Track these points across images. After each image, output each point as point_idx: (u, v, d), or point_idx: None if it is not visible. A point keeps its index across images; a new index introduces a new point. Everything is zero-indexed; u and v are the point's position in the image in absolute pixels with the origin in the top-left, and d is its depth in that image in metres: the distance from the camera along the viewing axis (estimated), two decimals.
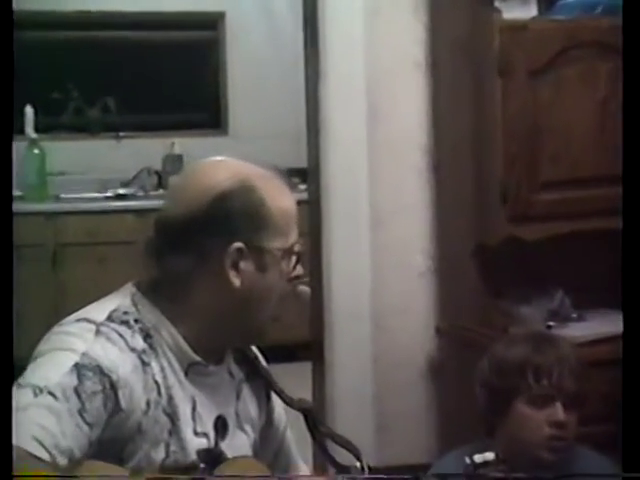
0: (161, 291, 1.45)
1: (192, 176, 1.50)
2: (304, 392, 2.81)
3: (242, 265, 1.42)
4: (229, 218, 1.42)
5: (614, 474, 1.83)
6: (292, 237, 1.46)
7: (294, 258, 1.46)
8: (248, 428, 1.55)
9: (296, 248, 1.47)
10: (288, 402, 1.60)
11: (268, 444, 1.61)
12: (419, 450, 3.08)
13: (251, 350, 1.61)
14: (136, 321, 1.43)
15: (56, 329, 1.40)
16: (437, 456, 2.58)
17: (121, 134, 5.33)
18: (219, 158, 1.51)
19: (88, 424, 1.31)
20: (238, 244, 1.42)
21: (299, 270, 1.48)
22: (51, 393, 1.29)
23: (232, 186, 1.42)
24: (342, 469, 1.51)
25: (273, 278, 1.45)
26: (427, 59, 3.07)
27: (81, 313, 1.44)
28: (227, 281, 1.42)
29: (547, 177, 2.74)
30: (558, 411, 1.91)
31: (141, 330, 1.42)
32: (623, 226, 1.59)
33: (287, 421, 1.65)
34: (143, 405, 1.38)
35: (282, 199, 1.46)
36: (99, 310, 1.43)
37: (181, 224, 1.43)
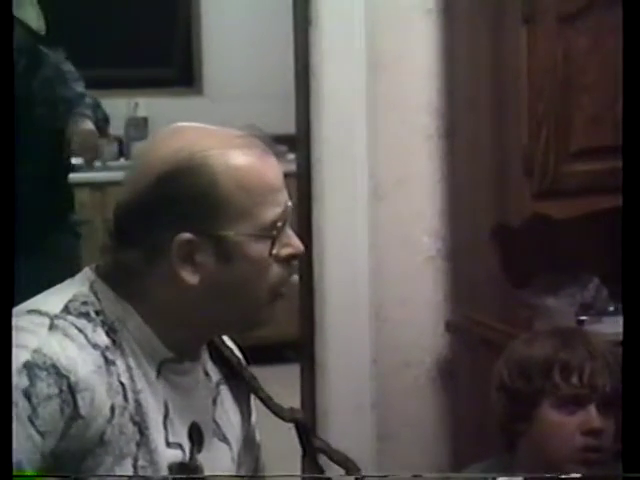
0: (122, 280, 1.45)
1: (144, 148, 1.50)
2: (291, 399, 2.81)
3: (198, 258, 1.41)
4: (174, 202, 1.40)
5: (614, 474, 1.82)
6: (265, 216, 1.43)
7: (271, 240, 1.43)
8: (230, 437, 1.55)
9: (275, 228, 1.44)
10: (277, 412, 1.60)
11: (246, 461, 1.60)
12: (426, 465, 3.09)
13: (232, 352, 1.60)
14: (97, 313, 1.42)
15: None
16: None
17: None
18: (182, 124, 1.49)
19: (40, 433, 1.31)
20: (186, 235, 1.40)
21: (290, 248, 1.46)
22: None
23: (178, 162, 1.41)
24: None
25: (245, 266, 1.43)
26: (438, 3, 3.05)
27: (31, 304, 1.43)
28: (180, 279, 1.41)
29: (580, 144, 2.74)
30: (592, 415, 1.91)
31: (103, 323, 1.42)
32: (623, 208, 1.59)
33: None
34: (107, 411, 1.37)
35: (251, 173, 1.43)
36: (53, 300, 1.42)
37: (129, 208, 1.43)
